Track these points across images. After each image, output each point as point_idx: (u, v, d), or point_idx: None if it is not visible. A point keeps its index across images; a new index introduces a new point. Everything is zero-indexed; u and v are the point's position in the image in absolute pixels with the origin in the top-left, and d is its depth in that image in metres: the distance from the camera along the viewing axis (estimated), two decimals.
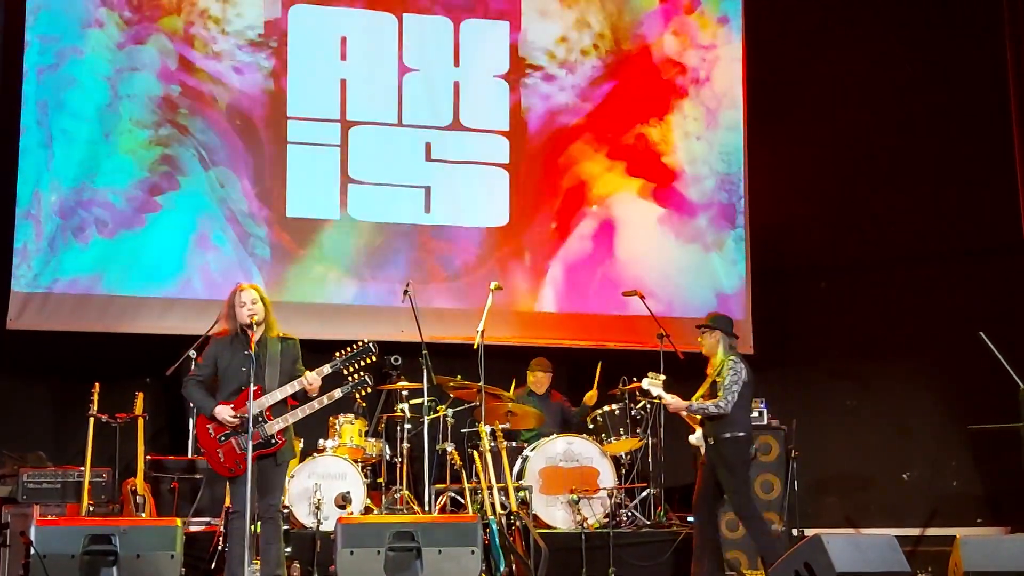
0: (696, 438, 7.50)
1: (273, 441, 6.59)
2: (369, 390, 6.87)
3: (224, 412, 6.57)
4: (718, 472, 7.37)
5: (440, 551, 6.63)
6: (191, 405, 8.13)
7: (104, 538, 6.35)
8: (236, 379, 6.64)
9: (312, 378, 6.63)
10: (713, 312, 7.97)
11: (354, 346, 6.80)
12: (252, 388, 6.46)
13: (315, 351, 7.00)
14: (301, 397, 6.73)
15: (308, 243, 9.76)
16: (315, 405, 6.70)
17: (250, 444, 6.41)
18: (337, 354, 6.77)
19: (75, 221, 9.23)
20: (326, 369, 6.69)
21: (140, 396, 8.42)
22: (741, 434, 7.37)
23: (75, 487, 8.10)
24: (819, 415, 10.01)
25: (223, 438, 6.59)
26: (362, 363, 6.77)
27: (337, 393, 6.72)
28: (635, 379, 8.94)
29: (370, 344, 6.79)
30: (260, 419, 6.53)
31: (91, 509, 8.01)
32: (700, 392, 7.49)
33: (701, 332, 7.63)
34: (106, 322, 9.23)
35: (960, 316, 9.70)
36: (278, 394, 6.61)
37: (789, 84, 10.67)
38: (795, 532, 8.46)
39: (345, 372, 6.74)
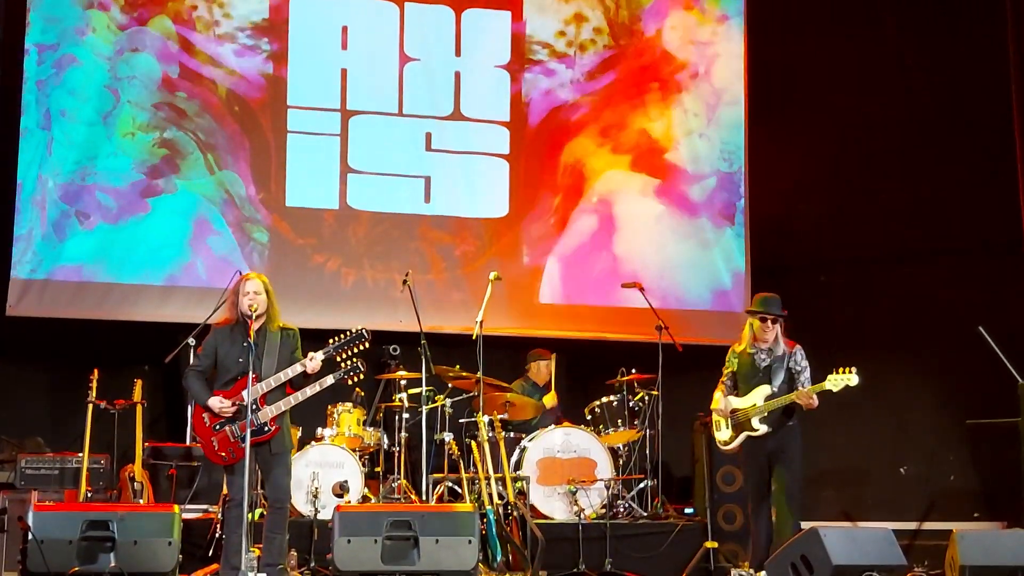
0: (728, 434, 7.40)
1: (266, 428, 6.60)
2: (361, 376, 6.88)
3: (215, 403, 6.60)
4: (786, 460, 7.30)
5: (437, 540, 6.62)
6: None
7: (102, 524, 6.35)
8: (233, 368, 6.67)
9: (313, 363, 6.64)
10: (765, 295, 7.60)
11: (347, 333, 6.81)
12: (251, 376, 6.47)
13: (313, 340, 7.00)
14: (299, 384, 6.73)
15: (307, 232, 9.76)
16: (307, 392, 6.71)
17: (248, 432, 6.43)
18: (331, 341, 6.79)
19: (75, 208, 9.23)
20: (319, 355, 6.70)
21: (139, 383, 8.43)
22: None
23: (73, 473, 8.12)
24: (816, 408, 9.99)
25: (218, 427, 6.63)
26: (355, 350, 6.78)
27: (329, 379, 6.74)
28: (633, 371, 8.97)
29: (363, 331, 6.81)
30: (254, 407, 6.54)
31: (89, 495, 8.02)
32: (773, 387, 7.29)
33: (773, 320, 7.38)
34: (105, 309, 9.23)
35: (959, 311, 9.69)
36: (272, 381, 6.63)
37: (790, 78, 10.65)
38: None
39: (338, 359, 6.75)
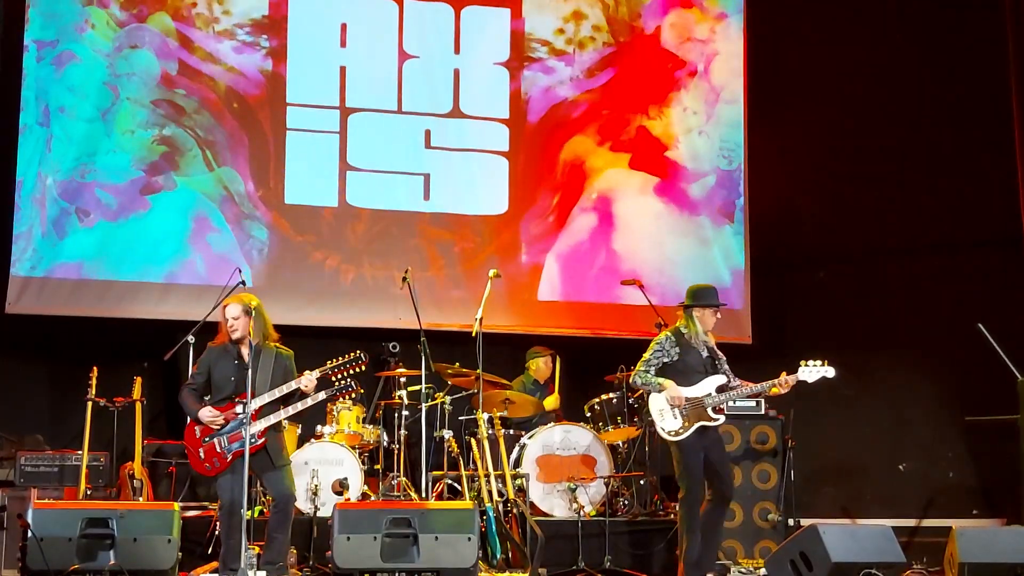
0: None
1: (253, 441, 6.64)
2: (354, 393, 7.01)
3: (206, 413, 6.72)
4: (725, 455, 7.34)
5: (437, 538, 6.63)
6: None
7: (101, 521, 6.37)
8: (226, 387, 6.81)
9: (308, 379, 6.76)
10: (703, 286, 7.51)
11: (345, 355, 6.93)
12: (249, 389, 6.57)
13: (313, 337, 7.02)
14: (293, 401, 6.86)
15: (307, 230, 9.75)
16: (298, 406, 6.84)
17: (248, 436, 6.52)
18: (328, 362, 6.91)
19: (74, 205, 9.22)
20: (315, 375, 6.82)
21: (138, 380, 8.44)
22: None
23: (73, 471, 8.12)
24: (816, 405, 9.99)
25: (208, 439, 6.74)
26: (351, 371, 6.90)
27: (321, 395, 6.86)
28: (632, 368, 8.96)
29: (361, 354, 6.95)
30: (245, 420, 6.63)
31: (89, 493, 8.03)
32: (730, 377, 7.23)
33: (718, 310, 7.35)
34: (104, 306, 9.23)
35: (958, 307, 9.69)
36: (267, 397, 6.72)
37: (789, 75, 10.66)
38: (791, 522, 8.46)
39: (332, 377, 6.88)
